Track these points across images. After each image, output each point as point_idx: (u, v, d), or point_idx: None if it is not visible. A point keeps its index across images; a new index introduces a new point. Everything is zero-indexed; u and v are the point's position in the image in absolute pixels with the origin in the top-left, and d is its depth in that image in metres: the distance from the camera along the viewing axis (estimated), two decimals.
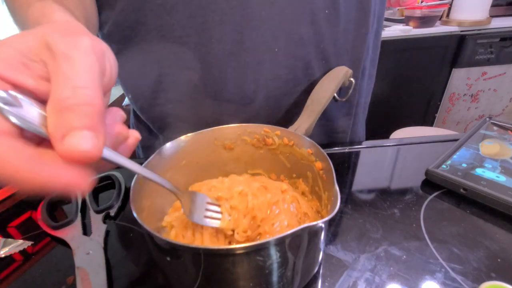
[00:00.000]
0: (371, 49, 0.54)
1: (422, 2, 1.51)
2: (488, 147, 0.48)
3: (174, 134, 0.53)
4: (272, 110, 0.49)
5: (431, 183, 0.43)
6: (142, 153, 0.63)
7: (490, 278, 0.30)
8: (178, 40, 0.43)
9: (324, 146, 0.54)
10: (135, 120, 0.61)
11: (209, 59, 0.44)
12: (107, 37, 0.46)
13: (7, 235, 0.40)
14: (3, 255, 0.36)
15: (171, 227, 0.33)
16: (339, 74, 0.47)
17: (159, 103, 0.49)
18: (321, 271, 0.32)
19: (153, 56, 0.45)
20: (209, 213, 0.30)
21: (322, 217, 0.33)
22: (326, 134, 0.57)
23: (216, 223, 0.29)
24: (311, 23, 0.44)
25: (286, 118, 0.51)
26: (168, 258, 0.26)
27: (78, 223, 0.39)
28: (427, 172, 0.44)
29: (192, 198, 0.29)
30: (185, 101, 0.48)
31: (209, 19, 0.41)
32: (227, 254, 0.23)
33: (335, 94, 0.48)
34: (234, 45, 0.43)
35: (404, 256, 0.33)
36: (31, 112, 0.16)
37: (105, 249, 0.35)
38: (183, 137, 0.37)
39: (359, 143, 0.56)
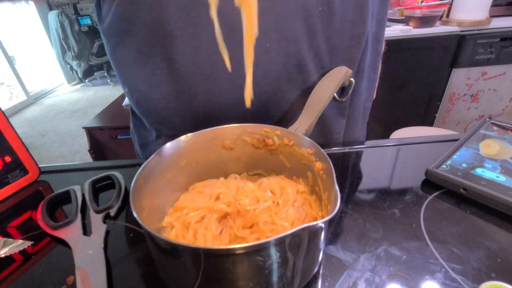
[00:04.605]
0: (370, 52, 0.54)
1: (422, 2, 1.51)
2: (488, 148, 0.48)
3: (167, 130, 0.53)
4: (265, 106, 0.49)
5: (431, 183, 0.43)
6: (140, 151, 0.63)
7: (490, 278, 0.30)
8: (170, 34, 0.43)
9: (323, 146, 0.54)
10: (133, 118, 0.62)
11: (200, 53, 0.44)
12: (107, 30, 0.47)
13: (7, 235, 0.40)
14: (3, 255, 0.36)
15: (171, 227, 0.33)
16: (339, 74, 0.47)
17: (153, 97, 0.50)
18: (321, 271, 0.32)
19: (147, 49, 0.46)
20: None
21: (322, 217, 0.33)
22: (319, 134, 0.56)
23: None
24: (304, 19, 0.44)
25: (282, 117, 0.51)
26: (168, 258, 0.26)
27: (78, 223, 0.39)
28: (427, 172, 0.44)
29: None
30: (178, 95, 0.48)
31: (200, 13, 0.42)
32: (227, 254, 0.23)
33: (335, 94, 0.48)
34: (225, 39, 0.43)
35: (404, 256, 0.33)
36: None
37: (105, 249, 0.35)
38: (183, 137, 0.37)
39: (360, 143, 0.56)
